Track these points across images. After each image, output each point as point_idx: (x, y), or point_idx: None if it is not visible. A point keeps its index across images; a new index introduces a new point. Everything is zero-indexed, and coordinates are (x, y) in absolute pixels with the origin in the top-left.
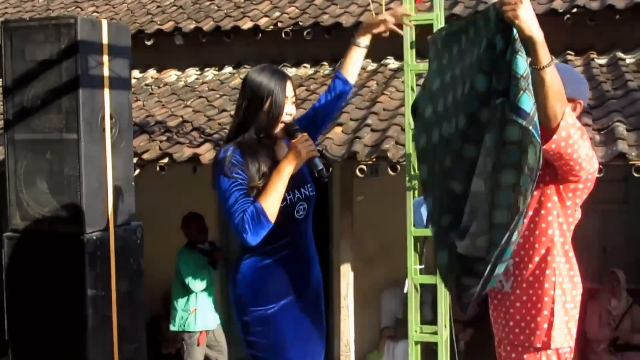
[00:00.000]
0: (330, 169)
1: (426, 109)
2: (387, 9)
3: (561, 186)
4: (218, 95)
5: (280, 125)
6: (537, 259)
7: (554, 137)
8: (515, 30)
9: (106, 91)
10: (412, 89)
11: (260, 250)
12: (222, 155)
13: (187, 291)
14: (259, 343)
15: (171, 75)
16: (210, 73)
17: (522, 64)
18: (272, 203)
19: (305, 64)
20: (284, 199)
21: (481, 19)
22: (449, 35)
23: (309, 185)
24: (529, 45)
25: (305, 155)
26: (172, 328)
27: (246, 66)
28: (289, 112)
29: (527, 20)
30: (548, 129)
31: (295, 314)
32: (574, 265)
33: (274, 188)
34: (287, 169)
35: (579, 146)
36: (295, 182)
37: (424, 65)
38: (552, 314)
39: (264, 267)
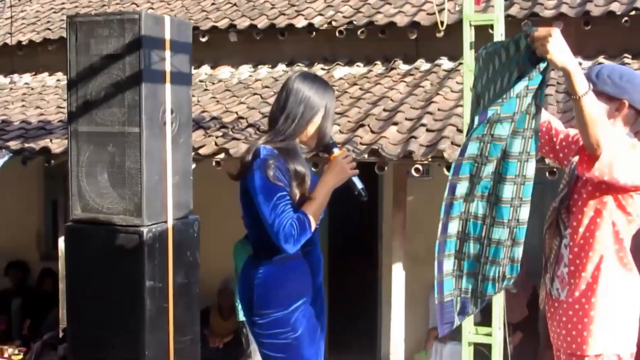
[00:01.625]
0: (385, 167)
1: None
2: (440, 10)
3: (619, 195)
4: (272, 93)
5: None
6: (590, 267)
7: (596, 164)
8: (544, 63)
9: (167, 86)
10: (470, 90)
11: (276, 257)
12: (265, 156)
13: None
14: (275, 344)
15: (225, 71)
16: (263, 70)
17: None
18: (315, 214)
19: (358, 63)
20: None
21: (513, 45)
22: (488, 54)
23: None
24: (565, 76)
25: (349, 172)
26: (237, 319)
27: (299, 64)
28: (330, 126)
29: (558, 54)
30: (592, 154)
31: (308, 315)
32: (631, 272)
33: (318, 201)
34: (331, 184)
35: (625, 165)
36: (305, 189)
37: None
38: (604, 321)
39: (282, 273)
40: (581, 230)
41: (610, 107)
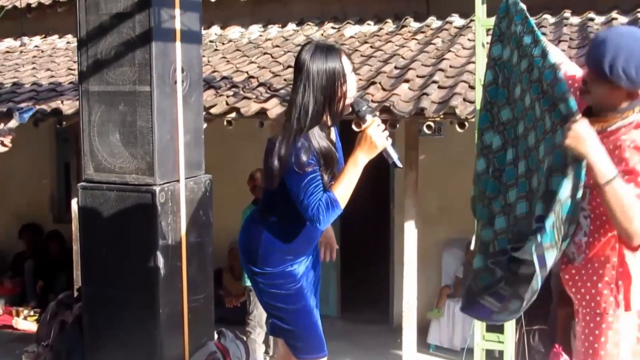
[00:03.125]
0: (397, 125)
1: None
2: None
3: None
4: (282, 52)
5: (347, 106)
6: (608, 246)
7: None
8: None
9: (178, 44)
10: (483, 45)
11: (288, 220)
12: (297, 147)
13: None
14: (278, 294)
15: (234, 31)
16: (273, 30)
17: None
18: (345, 193)
19: (369, 22)
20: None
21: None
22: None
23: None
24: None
25: (380, 145)
26: (243, 283)
27: (309, 23)
28: (351, 90)
29: (576, 146)
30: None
31: (308, 268)
32: None
33: (348, 178)
34: (363, 160)
35: None
36: (333, 167)
37: (494, 20)
38: (624, 276)
39: (290, 233)
40: (602, 208)
41: (629, 101)
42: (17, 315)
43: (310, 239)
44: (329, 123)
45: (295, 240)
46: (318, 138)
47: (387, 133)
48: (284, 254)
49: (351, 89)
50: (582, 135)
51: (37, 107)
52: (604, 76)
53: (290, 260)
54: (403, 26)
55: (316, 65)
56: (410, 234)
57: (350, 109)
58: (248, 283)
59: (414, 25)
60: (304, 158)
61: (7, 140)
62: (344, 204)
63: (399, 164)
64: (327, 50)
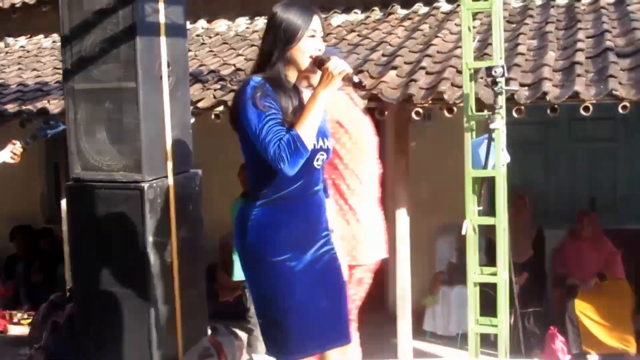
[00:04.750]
0: (386, 112)
1: None
2: None
3: None
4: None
5: (309, 60)
6: None
7: None
8: None
9: (163, 39)
10: (469, 29)
11: (274, 196)
12: (251, 85)
13: None
14: (258, 291)
15: (221, 25)
16: (260, 22)
17: None
18: (308, 129)
19: (355, 10)
20: None
21: None
22: None
23: (329, 139)
24: None
25: (337, 74)
26: (235, 278)
27: None
28: (317, 47)
29: None
30: None
31: (305, 266)
32: None
33: (309, 113)
34: (322, 93)
35: None
36: (319, 132)
37: (480, 4)
38: None
39: (277, 215)
40: None
41: None
42: (11, 319)
43: (307, 222)
44: (292, 76)
45: (286, 225)
46: (277, 86)
47: (343, 65)
48: (273, 244)
49: (314, 46)
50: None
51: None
52: None
53: (280, 251)
54: (390, 13)
55: (283, 12)
56: (402, 222)
57: (315, 65)
58: (239, 277)
59: (401, 12)
60: (260, 98)
61: (18, 149)
62: (309, 143)
63: (362, 82)
64: (299, 6)
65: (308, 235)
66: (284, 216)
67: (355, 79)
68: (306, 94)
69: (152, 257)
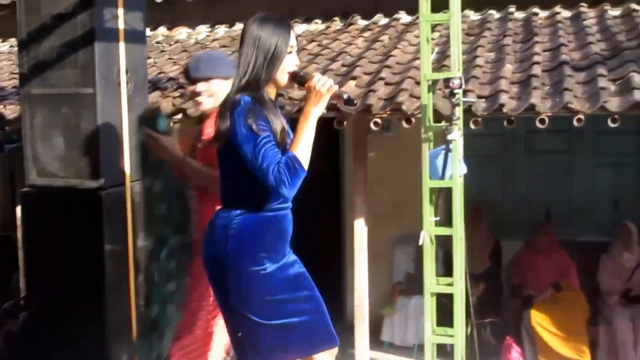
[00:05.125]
0: (345, 122)
1: None
2: None
3: None
4: (230, 52)
5: (287, 76)
6: None
7: None
8: None
9: (122, 45)
10: (428, 41)
11: (253, 208)
12: (243, 106)
13: None
14: (236, 301)
15: (182, 32)
16: (221, 30)
17: None
18: (303, 149)
19: (316, 20)
20: None
21: None
22: None
23: None
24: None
25: (326, 92)
26: None
27: None
28: (294, 62)
29: None
30: None
31: (285, 271)
32: None
33: (303, 134)
34: (313, 112)
35: None
36: (284, 139)
37: (439, 16)
38: None
39: (259, 224)
40: None
41: None
42: None
43: (284, 233)
44: (271, 93)
45: (268, 234)
46: (264, 106)
47: (330, 82)
48: (257, 252)
49: (292, 62)
50: None
51: None
52: None
53: (264, 260)
54: (350, 24)
55: (263, 30)
56: (360, 231)
57: (292, 80)
58: None
59: (361, 22)
60: (253, 120)
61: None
62: (306, 164)
63: (354, 100)
64: (276, 19)
65: (281, 247)
66: (262, 228)
67: (345, 95)
68: None
69: (109, 265)
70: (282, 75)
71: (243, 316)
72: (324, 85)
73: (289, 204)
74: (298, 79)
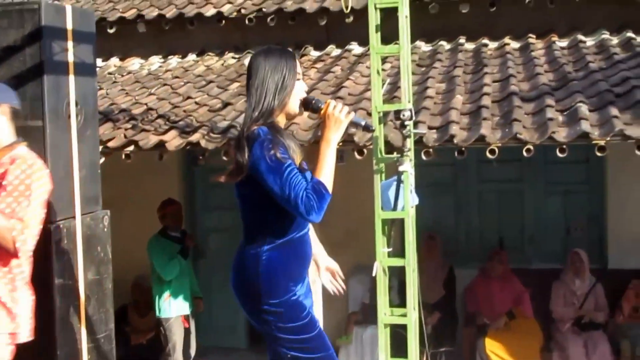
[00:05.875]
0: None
1: None
2: None
3: None
4: (182, 83)
5: (298, 102)
6: None
7: None
8: None
9: (71, 77)
10: (378, 72)
11: (278, 241)
12: (263, 137)
13: (161, 279)
14: (296, 327)
15: (134, 63)
16: (173, 61)
17: None
18: (327, 175)
19: None
20: None
21: None
22: None
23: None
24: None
25: (345, 118)
26: (158, 315)
27: (210, 53)
28: (304, 88)
29: None
30: None
31: (307, 290)
32: None
33: (325, 159)
34: (333, 139)
35: None
36: (301, 164)
37: (389, 49)
38: None
39: (285, 256)
40: None
41: None
42: None
43: (305, 258)
44: (282, 122)
45: (294, 263)
46: (281, 134)
47: (347, 109)
48: (287, 282)
49: (302, 88)
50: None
51: None
52: None
53: (293, 287)
54: (303, 55)
55: (270, 62)
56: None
57: (304, 107)
58: (159, 315)
59: (314, 53)
60: (276, 149)
61: None
62: (330, 187)
63: (371, 125)
64: (280, 50)
65: (304, 270)
66: (289, 256)
67: (362, 122)
68: None
69: (58, 300)
70: (294, 102)
71: (288, 341)
72: (342, 112)
73: (308, 227)
74: (311, 106)
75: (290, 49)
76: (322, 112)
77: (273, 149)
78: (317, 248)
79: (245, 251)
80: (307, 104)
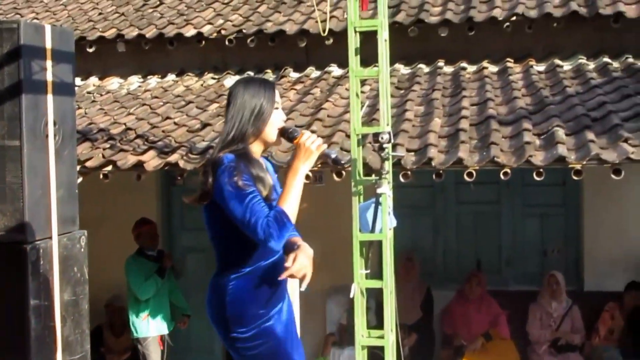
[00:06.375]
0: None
1: None
2: (323, 20)
3: None
4: (161, 103)
5: (276, 131)
6: None
7: None
8: None
9: (49, 97)
10: (357, 95)
11: (245, 270)
12: (227, 164)
13: (139, 299)
14: (262, 355)
15: (113, 82)
16: (153, 80)
17: None
18: (291, 204)
19: (248, 72)
20: None
21: None
22: None
23: None
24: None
25: (316, 150)
26: (133, 336)
27: (189, 74)
28: (282, 118)
29: None
30: None
31: (285, 318)
32: None
33: (291, 189)
34: (302, 169)
35: None
36: (270, 194)
37: (368, 71)
38: None
39: (252, 284)
40: None
41: None
42: None
43: (275, 282)
44: (258, 151)
45: (262, 289)
46: (249, 162)
47: (320, 140)
48: (256, 310)
49: (280, 117)
50: None
51: None
52: None
53: (264, 313)
54: (283, 76)
55: (248, 90)
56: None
57: (281, 136)
58: (136, 335)
59: (293, 75)
60: (239, 176)
61: None
62: (293, 217)
63: (342, 159)
64: (260, 80)
65: (278, 293)
66: (258, 283)
67: (333, 154)
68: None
69: (34, 321)
70: (271, 131)
71: None
72: (313, 143)
73: (279, 253)
74: (287, 135)
75: (271, 80)
76: (295, 141)
77: (237, 176)
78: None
79: (215, 281)
80: (284, 133)
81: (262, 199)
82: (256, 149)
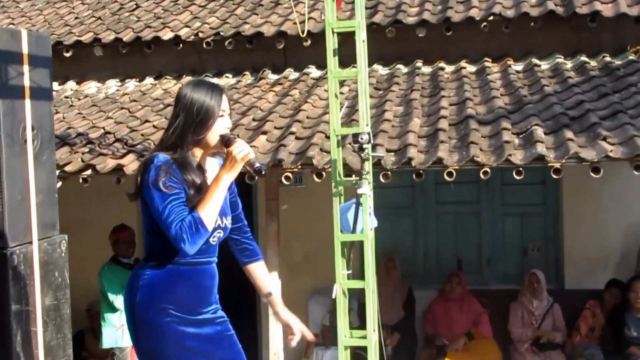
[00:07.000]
0: (256, 177)
1: None
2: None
3: None
4: (140, 107)
5: (217, 138)
6: None
7: None
8: None
9: (27, 102)
10: (336, 96)
11: (166, 262)
12: (155, 164)
13: (114, 308)
14: (146, 350)
15: (91, 86)
16: (131, 84)
17: None
18: (209, 211)
19: (227, 74)
20: None
21: None
22: None
23: (228, 217)
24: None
25: (240, 159)
26: (103, 345)
27: (167, 77)
28: (227, 125)
29: None
30: None
31: (193, 327)
32: None
33: (211, 197)
34: (224, 177)
35: None
36: (220, 211)
37: (347, 72)
38: None
39: (169, 277)
40: None
41: None
42: None
43: (200, 289)
44: (199, 154)
45: (179, 290)
46: (184, 167)
47: (247, 150)
48: (165, 305)
49: (224, 125)
50: None
51: None
52: None
53: (172, 311)
54: (261, 78)
55: (194, 93)
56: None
57: (220, 142)
58: (108, 345)
59: (272, 77)
60: (164, 178)
61: None
62: (210, 224)
63: (263, 170)
64: (209, 85)
65: (196, 302)
66: (174, 280)
67: (257, 165)
68: (211, 162)
69: (15, 326)
70: (212, 137)
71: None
72: (240, 153)
73: (210, 259)
74: (225, 142)
75: (220, 85)
76: (229, 148)
77: (163, 176)
78: (273, 290)
79: (135, 270)
80: (222, 141)
81: (183, 202)
82: (197, 152)
